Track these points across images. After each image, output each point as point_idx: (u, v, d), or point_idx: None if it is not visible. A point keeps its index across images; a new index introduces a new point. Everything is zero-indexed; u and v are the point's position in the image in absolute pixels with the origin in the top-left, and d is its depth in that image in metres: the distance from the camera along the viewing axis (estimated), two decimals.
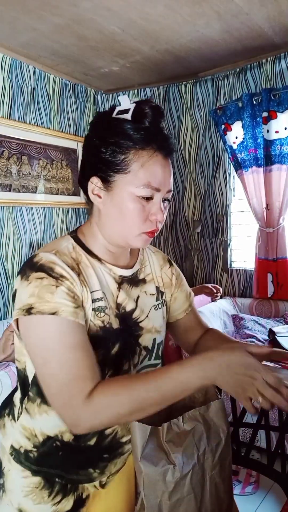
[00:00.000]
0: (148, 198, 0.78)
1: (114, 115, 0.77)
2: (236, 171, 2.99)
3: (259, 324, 2.76)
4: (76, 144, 3.28)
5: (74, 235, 0.85)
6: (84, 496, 0.87)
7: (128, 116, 0.76)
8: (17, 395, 0.87)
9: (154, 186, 0.77)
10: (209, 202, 3.26)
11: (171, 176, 0.81)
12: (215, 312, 2.79)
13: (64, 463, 0.84)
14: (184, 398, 0.90)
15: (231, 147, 2.96)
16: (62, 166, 3.16)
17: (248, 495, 1.92)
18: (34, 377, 0.81)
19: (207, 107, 3.17)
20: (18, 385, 0.87)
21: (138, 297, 0.89)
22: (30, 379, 0.82)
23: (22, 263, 2.84)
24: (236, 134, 2.93)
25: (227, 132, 2.96)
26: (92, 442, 0.83)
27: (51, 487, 0.84)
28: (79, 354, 0.72)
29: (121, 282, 0.87)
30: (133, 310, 0.87)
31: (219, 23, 2.37)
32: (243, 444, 1.34)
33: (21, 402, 0.85)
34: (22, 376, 0.85)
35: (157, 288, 0.95)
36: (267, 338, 2.61)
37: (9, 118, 2.74)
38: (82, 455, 0.84)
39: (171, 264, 1.02)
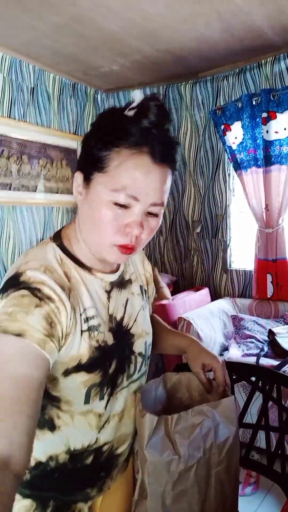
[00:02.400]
0: (124, 206, 0.68)
1: (125, 112, 0.70)
2: (235, 171, 2.99)
3: (258, 324, 2.76)
4: (76, 144, 3.27)
5: (59, 242, 0.77)
6: None
7: (132, 113, 0.69)
8: None
9: (129, 194, 0.67)
10: (208, 202, 3.26)
11: (160, 186, 0.69)
12: (215, 312, 2.79)
13: (59, 485, 0.78)
14: (182, 396, 0.90)
15: (230, 147, 2.96)
16: (62, 166, 3.16)
17: (248, 496, 1.92)
18: None
19: (206, 108, 3.17)
20: None
21: (127, 301, 0.85)
22: None
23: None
24: (235, 134, 2.93)
25: (227, 133, 2.96)
26: (88, 460, 0.78)
27: (44, 509, 0.78)
28: (15, 390, 0.58)
29: (111, 289, 0.81)
30: (122, 318, 0.83)
31: (219, 23, 2.37)
32: (243, 445, 1.33)
33: None
34: None
35: (141, 287, 0.92)
36: (266, 338, 2.61)
37: (9, 117, 2.74)
38: (78, 476, 0.79)
39: (147, 261, 0.98)
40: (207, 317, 2.67)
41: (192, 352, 0.95)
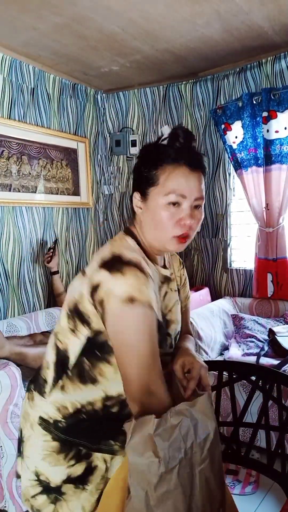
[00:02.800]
0: (176, 204, 0.90)
1: (159, 142, 0.93)
2: (236, 170, 2.99)
3: (259, 324, 2.76)
4: (76, 144, 3.28)
5: (134, 236, 0.98)
6: (93, 465, 0.95)
7: (166, 141, 0.92)
8: (49, 374, 0.96)
9: (179, 193, 0.89)
10: (209, 201, 3.26)
11: (199, 185, 0.92)
12: (215, 312, 2.79)
13: (89, 433, 0.94)
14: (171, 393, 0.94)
15: (231, 146, 2.96)
16: (62, 166, 3.16)
17: (248, 495, 1.92)
18: (78, 358, 0.91)
19: (207, 107, 3.17)
20: (51, 365, 0.96)
21: (166, 293, 1.02)
22: (71, 360, 0.92)
23: (22, 263, 2.84)
24: (236, 133, 2.93)
25: (227, 132, 2.96)
26: (115, 409, 0.93)
27: (67, 452, 0.94)
28: (156, 344, 0.83)
29: (164, 281, 1.01)
30: (161, 306, 1.00)
31: (219, 23, 2.37)
32: (243, 444, 1.34)
33: (55, 380, 0.94)
34: (61, 356, 0.93)
35: (177, 285, 1.10)
36: (267, 338, 2.61)
37: (9, 118, 2.74)
38: (105, 425, 0.94)
39: (183, 266, 1.18)
40: (207, 317, 2.67)
41: (178, 352, 1.06)
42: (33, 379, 1.03)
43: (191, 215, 0.92)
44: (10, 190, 2.75)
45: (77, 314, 0.90)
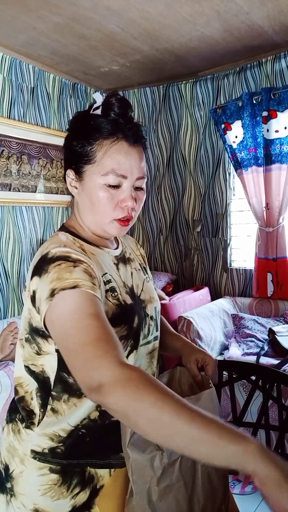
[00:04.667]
0: (116, 186, 0.82)
1: (91, 112, 0.84)
2: (236, 170, 2.99)
3: (259, 323, 2.76)
4: None
5: (66, 230, 0.89)
6: (98, 486, 0.86)
7: (99, 111, 0.82)
8: (35, 404, 0.84)
9: (119, 173, 0.81)
10: (209, 201, 3.26)
11: (140, 163, 0.84)
12: (215, 312, 2.79)
13: (94, 449, 0.84)
14: (174, 391, 0.91)
15: (231, 146, 2.96)
16: (62, 166, 3.15)
17: (248, 494, 1.92)
18: (57, 374, 0.81)
19: (207, 107, 3.17)
20: (34, 395, 0.85)
21: (132, 273, 0.96)
22: (52, 379, 0.82)
23: (21, 263, 2.84)
24: (236, 133, 2.93)
25: (227, 132, 2.96)
26: (115, 418, 0.81)
27: (70, 481, 0.83)
28: (99, 322, 0.70)
29: (117, 262, 0.93)
30: (132, 286, 0.93)
31: (219, 22, 2.37)
32: None
33: (44, 407, 0.83)
34: (41, 380, 0.83)
35: (140, 264, 1.03)
36: (267, 337, 2.61)
37: (9, 118, 2.74)
38: (108, 436, 0.84)
39: (140, 246, 1.11)
40: (207, 316, 2.68)
41: (186, 351, 1.04)
42: (13, 409, 0.90)
43: (133, 196, 0.83)
44: (10, 190, 2.75)
45: (35, 332, 0.81)
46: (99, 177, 0.82)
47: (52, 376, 0.82)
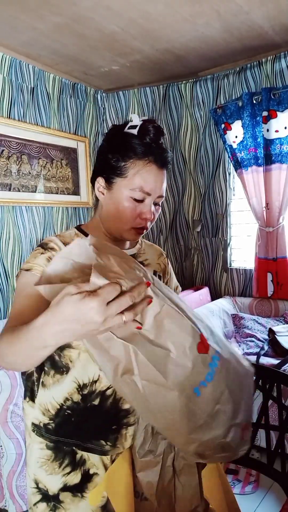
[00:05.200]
0: (140, 201, 0.93)
1: (125, 129, 0.93)
2: (236, 170, 2.99)
3: (259, 323, 2.76)
4: (76, 144, 3.28)
5: (78, 226, 1.02)
6: (91, 472, 0.94)
7: (135, 131, 0.92)
8: (34, 377, 0.97)
9: (145, 191, 0.92)
10: (209, 201, 3.26)
11: (163, 184, 0.95)
12: (215, 311, 2.79)
13: (78, 430, 0.93)
14: None
15: (231, 146, 2.96)
16: (62, 166, 3.16)
17: (248, 494, 1.92)
18: None
19: (207, 107, 3.17)
20: (34, 369, 0.97)
21: None
22: None
23: (22, 263, 2.84)
24: (236, 133, 2.93)
25: (227, 131, 2.96)
26: (96, 401, 0.92)
27: (62, 459, 0.94)
28: (28, 302, 0.84)
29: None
30: None
31: (219, 22, 2.37)
32: None
33: (38, 380, 0.96)
34: None
35: (155, 271, 1.09)
36: (267, 337, 2.61)
37: (9, 118, 2.74)
38: (91, 420, 0.92)
39: (165, 256, 1.17)
40: (207, 316, 2.68)
41: None
42: (25, 388, 1.04)
43: (151, 211, 0.95)
44: (10, 190, 2.76)
45: None
46: (127, 190, 0.92)
47: None
